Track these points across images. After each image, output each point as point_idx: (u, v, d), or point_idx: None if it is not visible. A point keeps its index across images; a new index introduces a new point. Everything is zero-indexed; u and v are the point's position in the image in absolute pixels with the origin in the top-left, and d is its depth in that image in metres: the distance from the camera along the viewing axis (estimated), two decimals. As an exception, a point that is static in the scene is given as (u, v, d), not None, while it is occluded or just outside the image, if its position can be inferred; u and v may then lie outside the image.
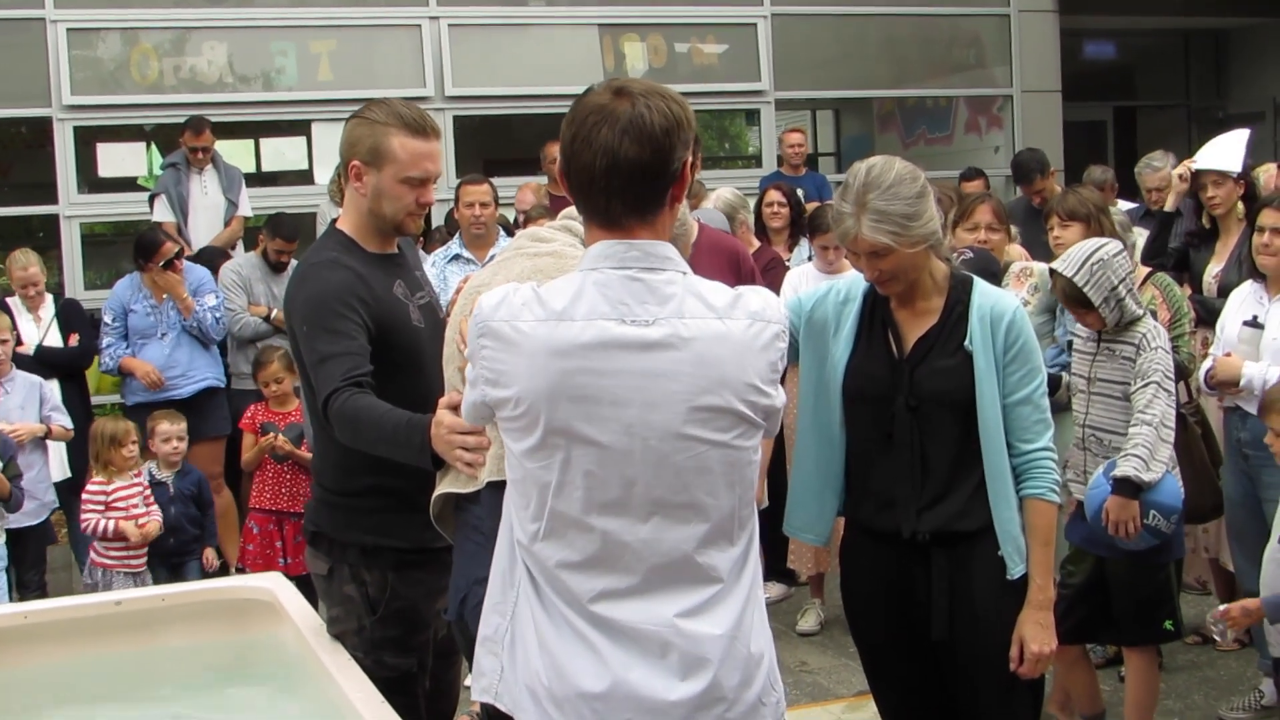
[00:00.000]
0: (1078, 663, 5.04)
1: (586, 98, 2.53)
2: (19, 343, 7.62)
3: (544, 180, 10.08)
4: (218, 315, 8.00)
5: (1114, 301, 4.68)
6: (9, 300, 7.95)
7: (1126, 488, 4.56)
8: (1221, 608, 4.71)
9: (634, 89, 2.51)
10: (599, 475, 2.48)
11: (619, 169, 2.47)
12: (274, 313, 8.21)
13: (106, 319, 8.03)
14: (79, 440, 7.36)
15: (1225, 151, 6.75)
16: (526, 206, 8.67)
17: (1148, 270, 5.80)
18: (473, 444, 3.02)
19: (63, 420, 7.19)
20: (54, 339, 7.92)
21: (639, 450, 2.47)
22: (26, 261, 7.91)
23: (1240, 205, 6.64)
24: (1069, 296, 4.78)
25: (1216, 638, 5.87)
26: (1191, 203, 7.11)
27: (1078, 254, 4.76)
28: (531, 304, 2.51)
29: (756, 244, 7.72)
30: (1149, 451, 4.57)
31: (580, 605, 2.52)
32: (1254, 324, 5.55)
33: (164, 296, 7.91)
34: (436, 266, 7.35)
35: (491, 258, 6.76)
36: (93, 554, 6.67)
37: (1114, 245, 4.81)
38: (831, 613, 6.81)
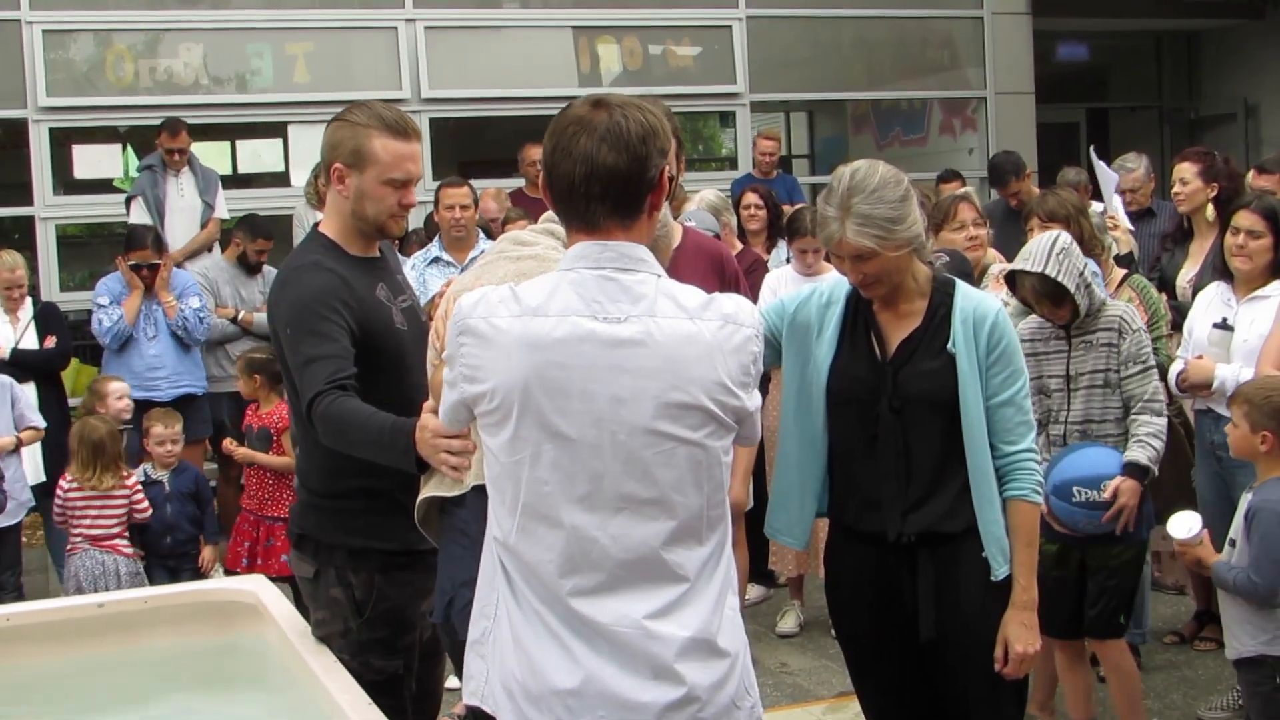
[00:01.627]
0: (1077, 663, 5.04)
1: (567, 111, 2.62)
2: (-8, 344, 7.60)
3: (520, 183, 10.08)
4: (201, 316, 8.09)
5: (1083, 288, 4.67)
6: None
7: (1138, 472, 4.64)
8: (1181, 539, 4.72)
9: (611, 100, 2.60)
10: (568, 469, 2.53)
11: (597, 175, 2.54)
12: (241, 314, 8.25)
13: (102, 300, 8.01)
14: (58, 442, 7.31)
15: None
16: (492, 215, 8.68)
17: (1124, 273, 5.82)
18: (457, 448, 3.03)
19: (34, 420, 7.14)
20: (30, 341, 7.87)
21: (608, 444, 2.52)
22: (14, 263, 7.88)
23: (1211, 208, 6.67)
24: (1040, 292, 4.72)
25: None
26: (1170, 205, 7.15)
27: (1039, 249, 4.71)
28: (508, 301, 2.57)
29: (740, 246, 7.73)
30: (1162, 442, 4.68)
31: (553, 602, 2.56)
32: (1224, 326, 5.55)
33: (150, 295, 7.92)
34: (416, 269, 7.35)
35: (471, 260, 6.77)
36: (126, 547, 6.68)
37: (1066, 235, 4.79)
38: (811, 614, 6.84)
